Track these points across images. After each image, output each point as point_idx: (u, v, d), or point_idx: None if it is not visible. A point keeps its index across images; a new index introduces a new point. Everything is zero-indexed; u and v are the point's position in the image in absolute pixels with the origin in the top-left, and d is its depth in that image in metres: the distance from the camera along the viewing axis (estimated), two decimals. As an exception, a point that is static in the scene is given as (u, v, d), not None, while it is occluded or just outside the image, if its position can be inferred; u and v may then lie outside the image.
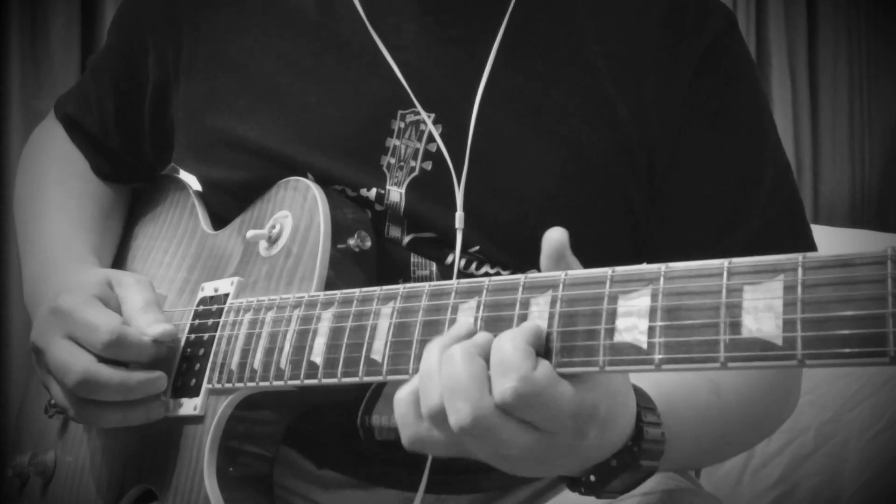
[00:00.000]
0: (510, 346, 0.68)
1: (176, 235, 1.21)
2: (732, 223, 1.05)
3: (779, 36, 3.45)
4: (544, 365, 0.68)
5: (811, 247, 1.09)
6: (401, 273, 1.03)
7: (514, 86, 1.04)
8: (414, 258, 1.04)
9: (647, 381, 0.84)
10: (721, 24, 1.07)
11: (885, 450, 2.04)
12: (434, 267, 1.03)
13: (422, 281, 1.01)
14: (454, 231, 1.02)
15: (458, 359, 0.70)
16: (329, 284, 0.95)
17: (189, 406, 1.00)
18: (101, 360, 0.98)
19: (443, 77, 1.05)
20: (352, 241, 0.99)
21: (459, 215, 1.02)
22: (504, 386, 0.67)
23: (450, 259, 1.03)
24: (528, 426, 0.69)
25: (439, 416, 0.70)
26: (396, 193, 1.03)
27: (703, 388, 0.94)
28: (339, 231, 0.99)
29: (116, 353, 0.97)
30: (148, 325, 0.99)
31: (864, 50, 3.61)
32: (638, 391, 0.80)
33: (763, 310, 0.58)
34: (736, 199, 1.06)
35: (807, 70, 3.52)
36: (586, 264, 0.72)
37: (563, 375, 0.69)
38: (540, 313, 0.70)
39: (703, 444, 0.94)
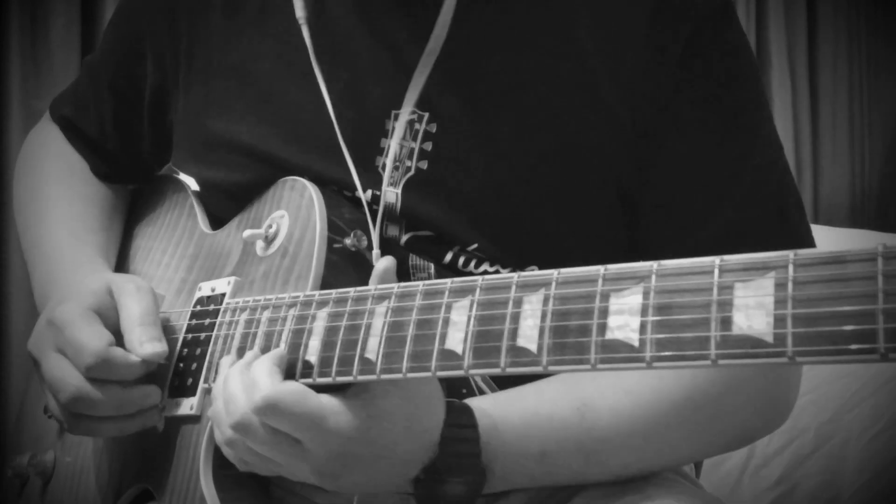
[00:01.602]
0: (260, 367, 0.85)
1: (174, 236, 1.21)
2: (704, 217, 1.02)
3: (779, 36, 3.44)
4: (289, 384, 0.83)
5: (800, 242, 1.04)
6: (400, 276, 1.02)
7: (502, 81, 1.03)
8: (412, 259, 1.04)
9: (499, 401, 0.95)
10: (710, 7, 1.04)
11: (885, 450, 2.03)
12: (432, 269, 1.03)
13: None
14: (451, 227, 1.02)
15: (232, 373, 0.88)
16: (325, 284, 0.95)
17: (186, 406, 1.00)
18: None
19: (433, 75, 1.04)
20: (348, 241, 0.99)
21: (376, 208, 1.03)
22: (255, 396, 0.83)
23: (448, 258, 1.03)
24: (285, 435, 0.84)
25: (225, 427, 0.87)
26: (392, 194, 1.03)
27: (566, 409, 0.95)
28: (335, 230, 0.99)
29: (102, 374, 0.98)
30: (140, 343, 0.99)
31: (864, 50, 3.61)
32: (457, 407, 0.89)
33: (754, 307, 0.58)
34: (710, 191, 1.02)
35: (807, 70, 3.51)
36: (582, 257, 0.72)
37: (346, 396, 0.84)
38: (532, 311, 0.70)
39: (564, 461, 0.95)
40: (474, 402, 0.93)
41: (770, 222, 1.03)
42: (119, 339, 1.00)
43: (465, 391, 1.02)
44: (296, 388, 0.83)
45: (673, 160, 1.02)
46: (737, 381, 0.98)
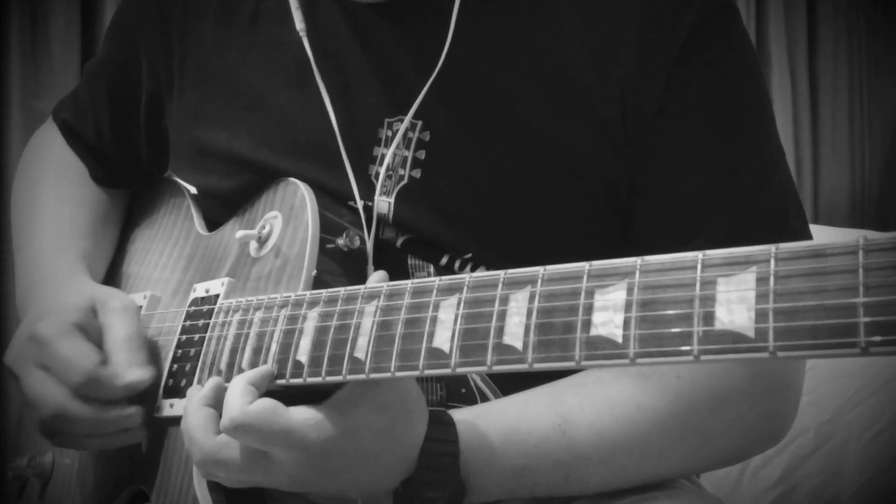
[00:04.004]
0: (234, 387, 0.85)
1: (171, 237, 1.21)
2: (701, 223, 0.99)
3: (779, 36, 3.44)
4: (258, 402, 0.83)
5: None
6: (400, 276, 1.02)
7: (493, 89, 1.02)
8: (411, 260, 1.03)
9: (481, 414, 0.94)
10: (711, 5, 1.00)
11: (885, 450, 2.03)
12: (432, 268, 1.03)
13: None
14: (445, 236, 1.02)
15: (189, 411, 0.89)
16: (317, 284, 0.95)
17: (179, 407, 0.99)
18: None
19: (419, 83, 1.03)
20: (341, 241, 0.99)
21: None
22: (224, 419, 0.83)
23: (444, 261, 1.02)
24: (253, 454, 0.85)
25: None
26: (385, 203, 1.02)
27: (547, 424, 0.94)
28: (327, 230, 0.98)
29: (89, 392, 0.98)
30: (128, 366, 0.99)
31: (864, 50, 3.61)
32: (439, 421, 0.89)
33: (736, 301, 0.58)
34: (707, 197, 0.99)
35: (807, 70, 3.51)
36: (578, 259, 0.71)
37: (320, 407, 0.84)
38: (518, 309, 0.70)
39: (543, 477, 0.94)
40: (457, 415, 0.92)
41: (770, 230, 1.00)
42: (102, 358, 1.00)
43: (464, 391, 1.02)
44: (263, 407, 0.83)
45: (669, 164, 1.00)
46: (724, 399, 0.96)
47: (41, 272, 1.17)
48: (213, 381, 0.90)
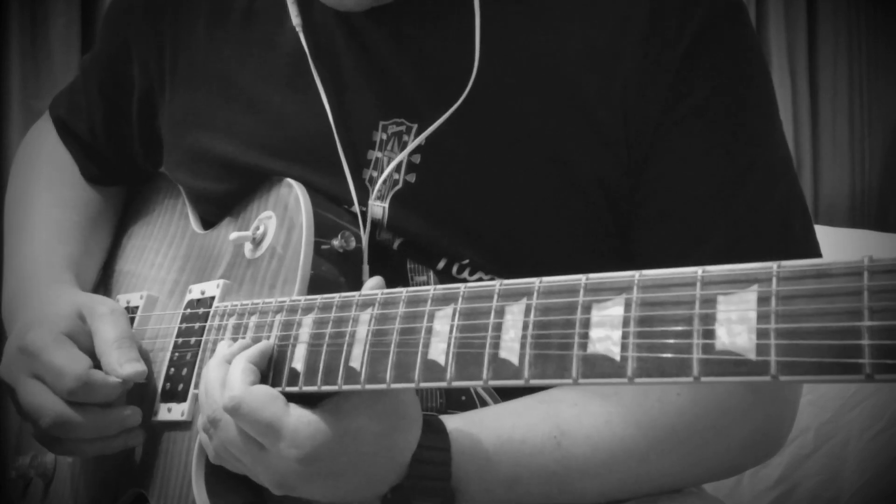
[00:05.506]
0: (236, 364, 0.85)
1: (167, 236, 1.20)
2: (705, 231, 0.97)
3: (779, 36, 3.44)
4: (259, 387, 0.82)
5: (803, 255, 0.97)
6: (399, 278, 1.01)
7: (491, 93, 1.00)
8: (409, 263, 1.02)
9: (475, 422, 0.93)
10: (712, 12, 0.97)
11: (885, 450, 2.03)
12: (431, 272, 1.02)
13: (420, 286, 0.99)
14: (441, 242, 1.00)
15: (211, 365, 0.88)
16: (313, 286, 0.94)
17: (177, 411, 0.99)
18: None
19: (421, 87, 1.02)
20: (336, 242, 0.98)
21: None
22: (225, 396, 0.83)
23: (441, 265, 1.01)
24: (249, 436, 0.83)
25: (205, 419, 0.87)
26: (379, 208, 1.01)
27: (542, 435, 0.93)
28: (322, 231, 0.97)
29: (84, 397, 0.98)
30: (119, 365, 0.99)
31: (864, 50, 3.60)
32: (433, 428, 0.88)
33: (736, 322, 0.56)
34: (711, 205, 0.97)
35: (807, 70, 3.51)
36: (576, 270, 0.70)
37: (322, 406, 0.82)
38: (514, 322, 0.68)
39: (536, 488, 0.93)
40: (451, 422, 0.91)
41: (770, 246, 0.98)
42: (94, 363, 1.00)
43: (464, 398, 1.01)
44: (262, 393, 0.82)
45: (671, 172, 0.98)
46: (724, 416, 0.95)
47: (27, 282, 1.17)
48: (241, 342, 0.89)
